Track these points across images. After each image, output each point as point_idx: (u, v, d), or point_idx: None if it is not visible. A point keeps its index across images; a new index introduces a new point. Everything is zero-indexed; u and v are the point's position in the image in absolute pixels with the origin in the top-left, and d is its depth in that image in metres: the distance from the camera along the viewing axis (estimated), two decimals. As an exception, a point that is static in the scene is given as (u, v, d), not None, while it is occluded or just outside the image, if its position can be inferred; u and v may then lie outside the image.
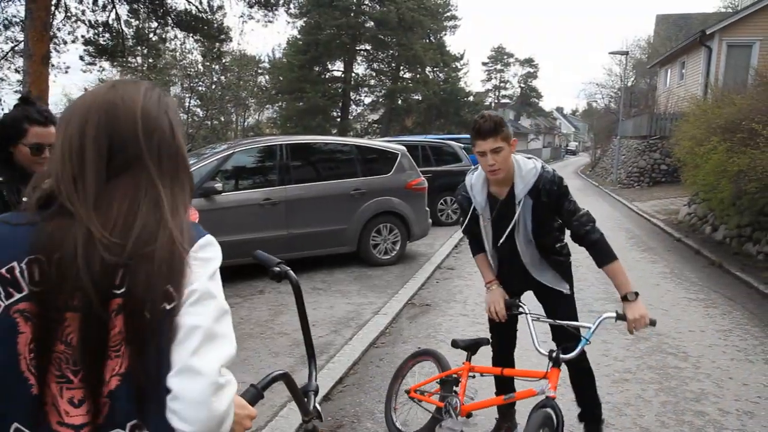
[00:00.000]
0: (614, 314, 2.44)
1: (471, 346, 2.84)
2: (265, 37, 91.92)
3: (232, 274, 6.72)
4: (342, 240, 7.39)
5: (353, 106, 35.13)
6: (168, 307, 0.95)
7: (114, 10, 14.52)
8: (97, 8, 14.51)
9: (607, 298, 6.26)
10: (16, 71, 16.21)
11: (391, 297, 6.17)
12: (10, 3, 14.42)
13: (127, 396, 0.95)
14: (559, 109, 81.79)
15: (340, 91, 33.16)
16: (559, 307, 2.79)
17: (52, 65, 14.07)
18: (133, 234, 0.96)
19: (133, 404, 0.96)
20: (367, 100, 35.73)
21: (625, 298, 2.48)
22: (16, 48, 15.04)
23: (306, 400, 1.59)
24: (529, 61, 60.92)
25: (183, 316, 0.95)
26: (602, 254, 2.54)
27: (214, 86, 23.08)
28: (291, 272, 1.69)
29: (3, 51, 15.83)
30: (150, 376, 0.94)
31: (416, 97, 34.26)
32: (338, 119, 33.18)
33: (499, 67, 60.77)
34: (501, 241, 2.66)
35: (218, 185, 6.45)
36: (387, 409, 3.21)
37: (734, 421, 3.54)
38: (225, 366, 0.97)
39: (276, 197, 6.90)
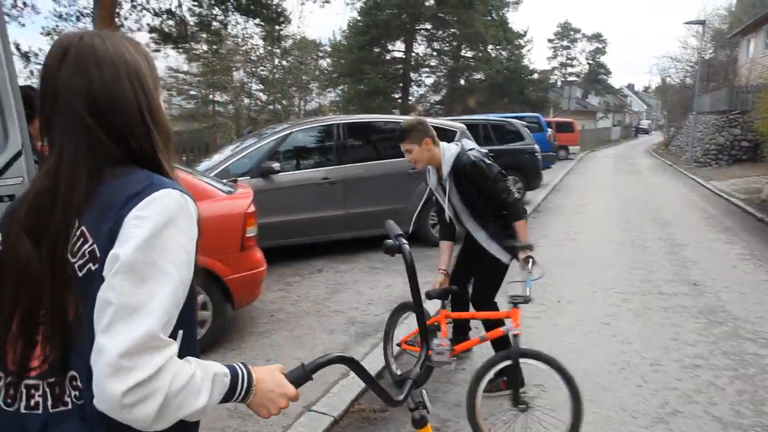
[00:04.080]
0: (527, 266, 3.02)
1: (443, 295, 3.25)
2: (324, 20, 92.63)
3: (291, 253, 6.80)
4: (400, 219, 7.32)
5: (414, 87, 34.81)
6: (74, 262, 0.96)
7: (177, -2, 14.97)
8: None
9: (678, 281, 5.94)
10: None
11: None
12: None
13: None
14: (630, 86, 78.34)
15: (400, 72, 32.91)
16: (482, 270, 3.36)
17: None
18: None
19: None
20: (429, 81, 35.34)
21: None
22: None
23: (404, 387, 1.38)
24: (597, 37, 58.54)
25: (102, 289, 0.90)
26: (512, 214, 3.18)
27: (275, 70, 23.36)
28: (406, 245, 1.52)
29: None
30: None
31: (478, 76, 33.57)
32: (399, 101, 32.98)
33: (565, 43, 58.70)
34: (446, 206, 3.29)
35: (276, 165, 6.50)
36: (386, 362, 3.65)
37: (821, 413, 3.25)
38: (142, 346, 0.87)
39: (334, 176, 6.90)
